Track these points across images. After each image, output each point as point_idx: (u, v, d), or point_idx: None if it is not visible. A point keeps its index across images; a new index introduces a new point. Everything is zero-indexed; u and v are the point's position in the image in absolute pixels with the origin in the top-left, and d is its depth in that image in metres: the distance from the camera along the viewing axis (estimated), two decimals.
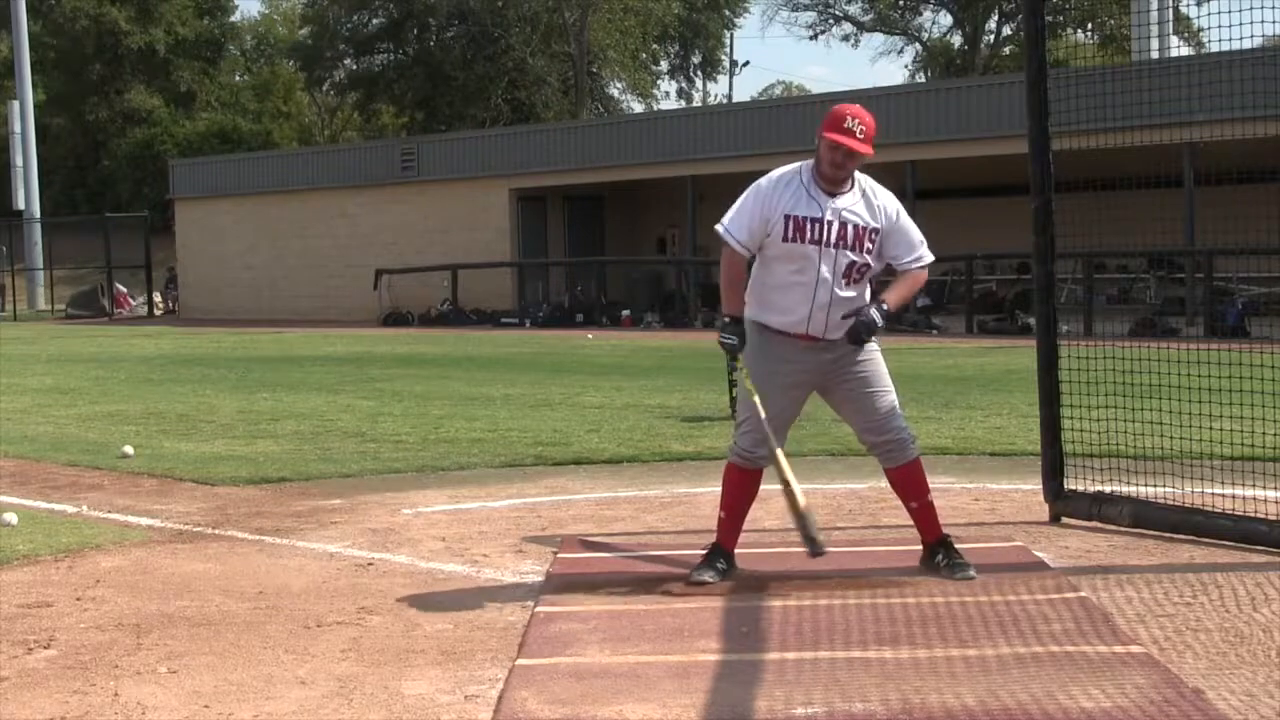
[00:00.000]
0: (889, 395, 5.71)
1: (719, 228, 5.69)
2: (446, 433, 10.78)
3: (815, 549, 5.55)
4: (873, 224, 5.56)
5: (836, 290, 5.55)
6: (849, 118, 5.51)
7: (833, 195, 5.56)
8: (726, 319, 5.66)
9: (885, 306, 5.58)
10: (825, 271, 5.52)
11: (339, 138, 61.31)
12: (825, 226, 5.52)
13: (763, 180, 5.68)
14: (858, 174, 5.66)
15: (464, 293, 31.78)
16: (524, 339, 25.05)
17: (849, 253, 5.54)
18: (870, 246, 5.57)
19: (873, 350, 5.71)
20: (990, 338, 22.65)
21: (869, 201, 5.59)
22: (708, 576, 5.68)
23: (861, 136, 5.48)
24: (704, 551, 5.86)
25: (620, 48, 55.82)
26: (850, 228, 5.53)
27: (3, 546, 6.69)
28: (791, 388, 5.70)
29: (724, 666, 4.58)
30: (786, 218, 5.53)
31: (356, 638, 5.06)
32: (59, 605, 5.64)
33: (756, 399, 5.64)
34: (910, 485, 5.76)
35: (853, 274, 5.57)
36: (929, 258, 5.72)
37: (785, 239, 5.54)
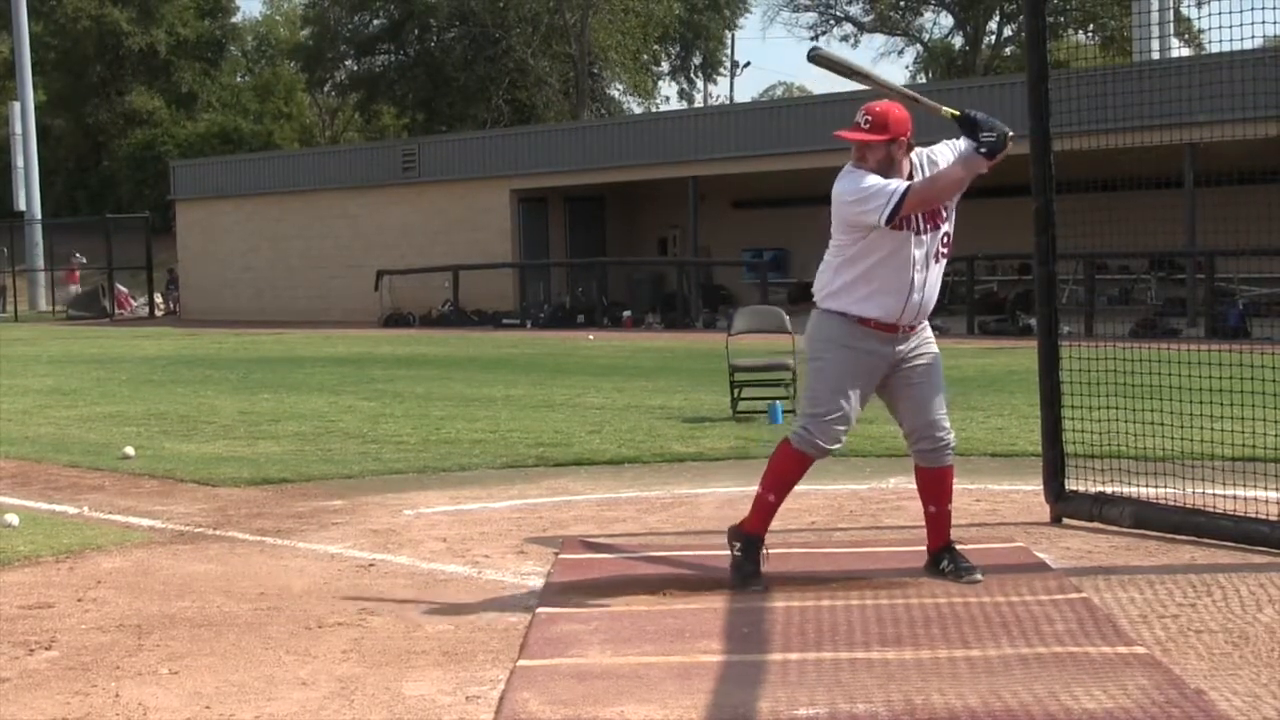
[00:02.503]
0: (943, 396, 5.75)
1: (896, 199, 5.42)
2: (448, 434, 10.78)
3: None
4: None
5: (930, 271, 5.59)
6: (860, 113, 5.65)
7: (898, 177, 5.54)
8: (982, 145, 5.44)
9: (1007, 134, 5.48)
10: (918, 254, 5.55)
11: (340, 139, 61.31)
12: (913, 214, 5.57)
13: (850, 170, 5.62)
14: (916, 150, 5.65)
15: (465, 294, 31.77)
16: (525, 340, 25.05)
17: (933, 231, 5.57)
18: (945, 213, 5.61)
19: (933, 347, 5.75)
20: (991, 338, 22.63)
21: (924, 171, 5.62)
22: (761, 584, 5.61)
23: (867, 126, 5.58)
24: (737, 552, 5.70)
25: (621, 49, 55.77)
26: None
27: (4, 547, 6.70)
28: (870, 379, 5.67)
29: (726, 667, 4.58)
30: None
31: (358, 639, 5.06)
32: (60, 606, 5.64)
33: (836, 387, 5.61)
34: (940, 489, 5.78)
35: (939, 249, 5.62)
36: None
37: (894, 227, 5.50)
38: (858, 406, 5.68)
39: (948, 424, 5.75)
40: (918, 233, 5.54)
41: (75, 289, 41.41)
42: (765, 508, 5.73)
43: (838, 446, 5.73)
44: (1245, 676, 4.35)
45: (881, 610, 5.22)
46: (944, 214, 5.62)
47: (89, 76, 57.08)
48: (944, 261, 5.68)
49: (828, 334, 5.66)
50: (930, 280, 5.61)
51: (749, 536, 5.71)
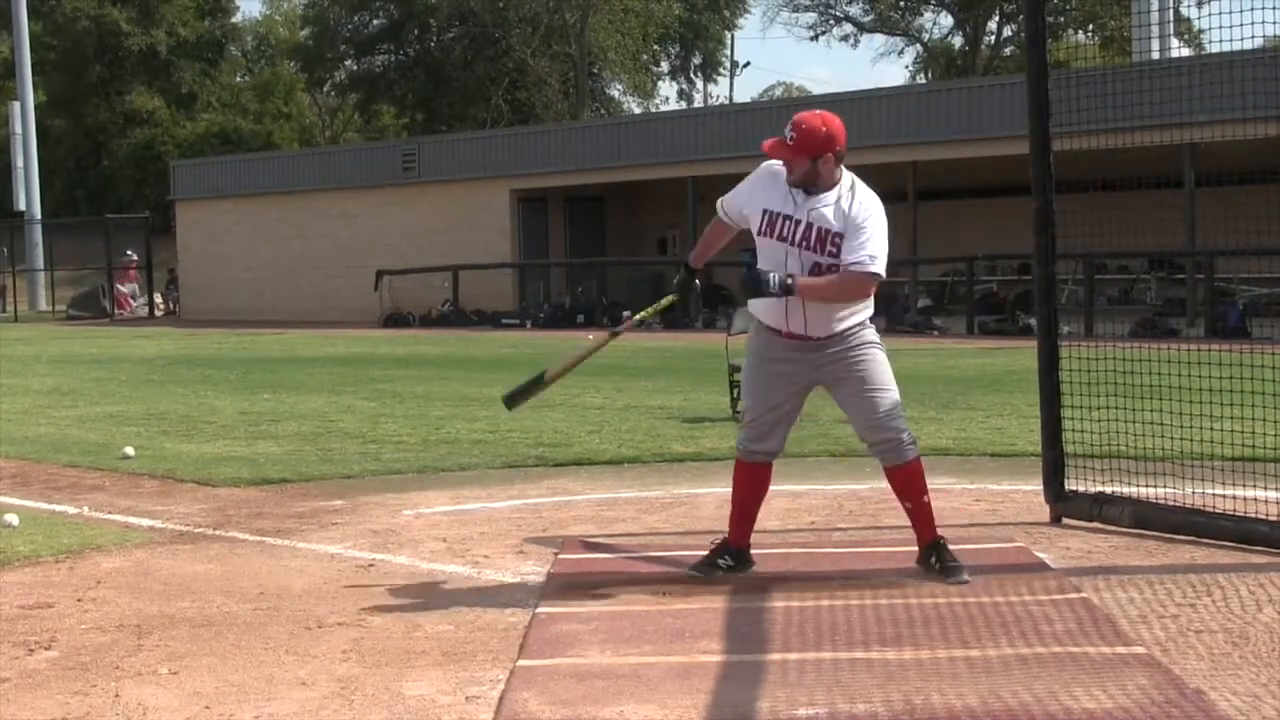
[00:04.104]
0: (888, 395, 5.69)
1: (719, 201, 5.97)
2: (447, 434, 10.77)
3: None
4: (836, 227, 5.52)
5: None
6: (787, 126, 5.56)
7: (810, 194, 5.56)
8: (684, 265, 6.13)
9: (791, 280, 5.47)
10: (794, 268, 5.54)
11: (340, 139, 61.34)
12: (794, 224, 5.56)
13: (763, 167, 5.76)
14: (848, 175, 5.63)
15: (465, 294, 31.78)
16: (525, 340, 25.05)
17: (812, 253, 5.54)
18: (834, 249, 5.52)
19: (872, 348, 5.70)
20: (991, 338, 22.64)
21: (840, 205, 5.55)
22: (698, 574, 5.79)
23: (790, 142, 5.51)
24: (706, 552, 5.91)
25: (621, 49, 55.81)
26: (815, 229, 5.53)
27: (4, 548, 6.69)
28: (784, 386, 5.72)
29: (726, 667, 4.58)
30: (764, 212, 5.63)
31: (357, 639, 5.06)
32: (60, 606, 5.64)
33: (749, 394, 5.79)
34: (907, 485, 5.76)
35: (820, 275, 5.55)
36: (870, 265, 5.48)
37: (759, 232, 5.64)
38: (777, 412, 5.75)
39: (899, 423, 5.69)
40: (791, 243, 5.55)
41: (134, 287, 41.01)
42: (729, 519, 5.93)
43: (760, 453, 5.79)
44: (1245, 676, 4.35)
45: (881, 610, 5.22)
46: (831, 249, 5.51)
47: (89, 76, 57.08)
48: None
49: (749, 341, 5.88)
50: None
51: (721, 541, 5.93)
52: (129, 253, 40.35)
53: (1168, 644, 4.71)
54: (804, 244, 5.54)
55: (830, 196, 5.57)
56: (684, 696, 4.26)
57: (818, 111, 5.65)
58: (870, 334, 5.73)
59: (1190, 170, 21.05)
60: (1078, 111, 6.97)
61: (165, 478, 9.02)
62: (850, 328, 5.65)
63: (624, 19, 54.96)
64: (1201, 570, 5.78)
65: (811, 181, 5.55)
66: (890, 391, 5.71)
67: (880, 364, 5.72)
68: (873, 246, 5.49)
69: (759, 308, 5.71)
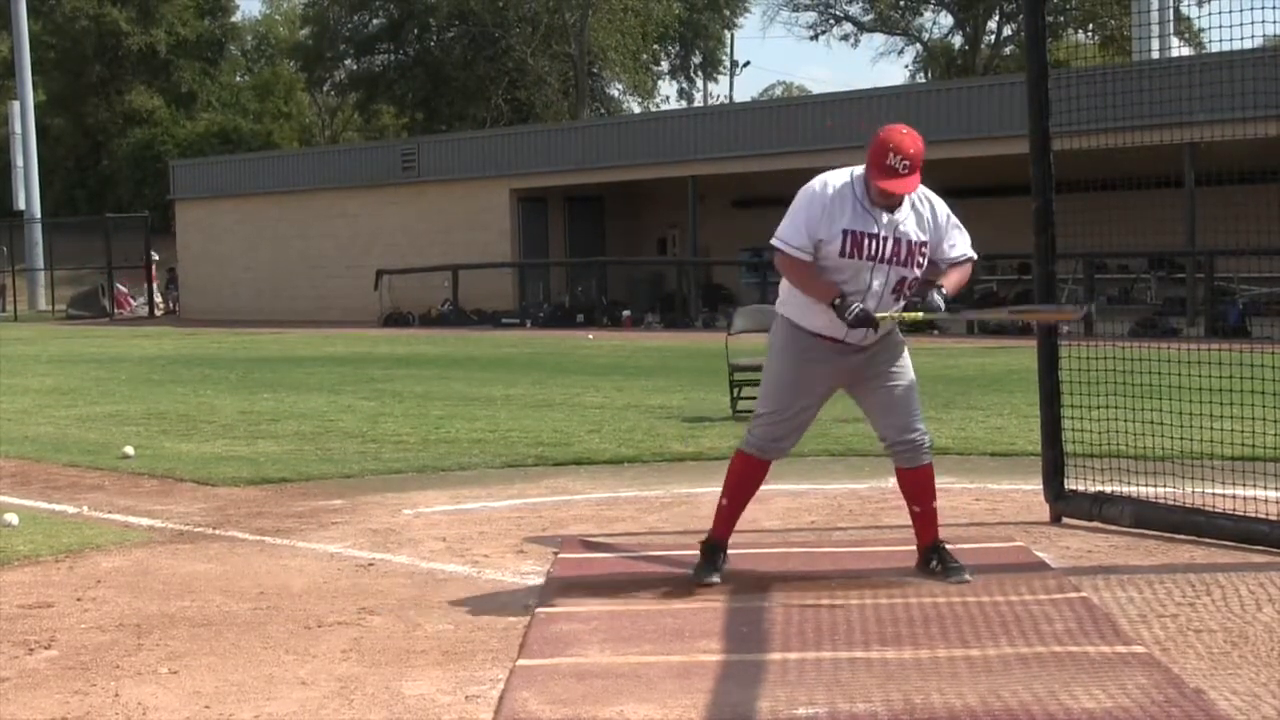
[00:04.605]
0: (915, 396, 5.72)
1: (776, 243, 5.56)
2: (447, 433, 10.77)
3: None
4: (922, 237, 5.53)
5: (884, 304, 5.52)
6: (891, 154, 5.40)
7: (887, 210, 5.50)
8: (837, 300, 5.41)
9: (944, 290, 5.54)
10: (876, 286, 5.48)
11: (339, 138, 61.37)
12: (881, 242, 5.48)
13: (815, 187, 5.58)
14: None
15: (464, 293, 31.79)
16: (524, 339, 25.05)
17: (902, 268, 5.51)
18: (921, 260, 5.54)
19: (903, 348, 5.72)
20: (991, 338, 22.64)
21: (918, 213, 5.55)
22: (715, 578, 5.67)
23: (906, 171, 5.41)
24: (698, 549, 5.87)
25: (620, 48, 55.84)
26: (905, 243, 5.49)
27: (4, 547, 6.69)
28: (819, 388, 5.69)
29: (725, 667, 4.58)
30: (845, 233, 5.46)
31: (357, 638, 5.06)
32: (60, 606, 5.64)
33: (781, 392, 5.66)
34: (920, 489, 5.76)
35: (903, 289, 5.54)
36: (973, 254, 5.69)
37: (843, 254, 5.47)
38: (808, 414, 5.71)
39: (921, 425, 5.73)
40: (880, 260, 5.48)
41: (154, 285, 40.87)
42: (720, 513, 5.82)
43: (777, 450, 5.75)
44: (1244, 676, 4.35)
45: (881, 610, 5.22)
46: (920, 260, 5.54)
47: (88, 76, 57.12)
48: (901, 302, 5.59)
49: (778, 340, 5.72)
50: (883, 312, 5.52)
51: (711, 539, 5.81)
52: (152, 254, 40.26)
53: (1167, 643, 4.71)
54: (894, 260, 5.48)
55: (905, 208, 5.54)
56: (684, 696, 4.26)
57: (900, 129, 5.51)
58: (899, 333, 5.75)
59: (1190, 170, 21.04)
60: (1078, 111, 6.96)
61: (165, 477, 9.02)
62: (892, 330, 5.69)
63: (624, 18, 54.98)
64: (1201, 570, 5.78)
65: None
66: (917, 393, 5.74)
67: (909, 365, 5.74)
68: (966, 236, 5.68)
69: (813, 318, 5.57)
